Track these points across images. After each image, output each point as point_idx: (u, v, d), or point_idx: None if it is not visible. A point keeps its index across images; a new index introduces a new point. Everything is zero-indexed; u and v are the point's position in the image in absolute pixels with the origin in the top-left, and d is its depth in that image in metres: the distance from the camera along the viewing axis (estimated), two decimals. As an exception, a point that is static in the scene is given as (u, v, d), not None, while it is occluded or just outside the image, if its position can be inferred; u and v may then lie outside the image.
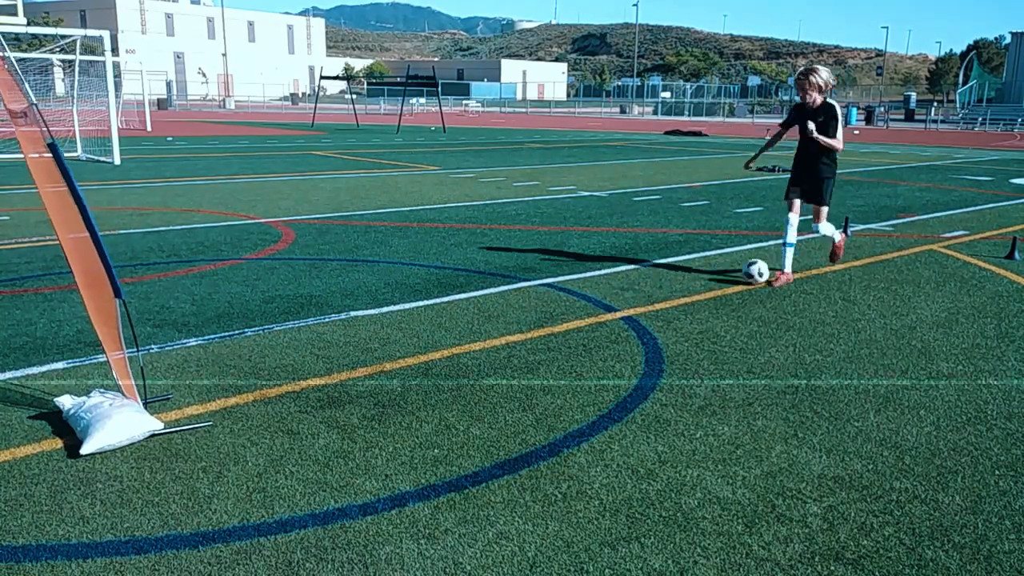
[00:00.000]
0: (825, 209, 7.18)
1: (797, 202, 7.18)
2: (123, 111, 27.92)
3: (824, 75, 6.80)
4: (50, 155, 3.56)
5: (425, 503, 3.29)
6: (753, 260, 7.23)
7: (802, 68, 7.05)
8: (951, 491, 3.46)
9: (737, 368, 4.94)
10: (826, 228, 7.38)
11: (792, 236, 7.15)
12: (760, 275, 7.07)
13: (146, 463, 3.58)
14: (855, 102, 69.43)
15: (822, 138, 6.81)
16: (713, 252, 8.55)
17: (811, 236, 8.25)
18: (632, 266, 7.77)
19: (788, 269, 7.20)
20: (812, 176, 7.07)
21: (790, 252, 7.19)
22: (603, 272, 7.47)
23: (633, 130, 40.22)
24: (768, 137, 7.34)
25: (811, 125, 6.80)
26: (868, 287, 7.11)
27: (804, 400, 4.45)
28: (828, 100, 6.90)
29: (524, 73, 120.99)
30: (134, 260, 7.72)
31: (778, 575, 2.86)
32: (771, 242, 9.19)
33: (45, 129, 3.54)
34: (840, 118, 6.87)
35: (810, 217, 7.36)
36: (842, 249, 7.77)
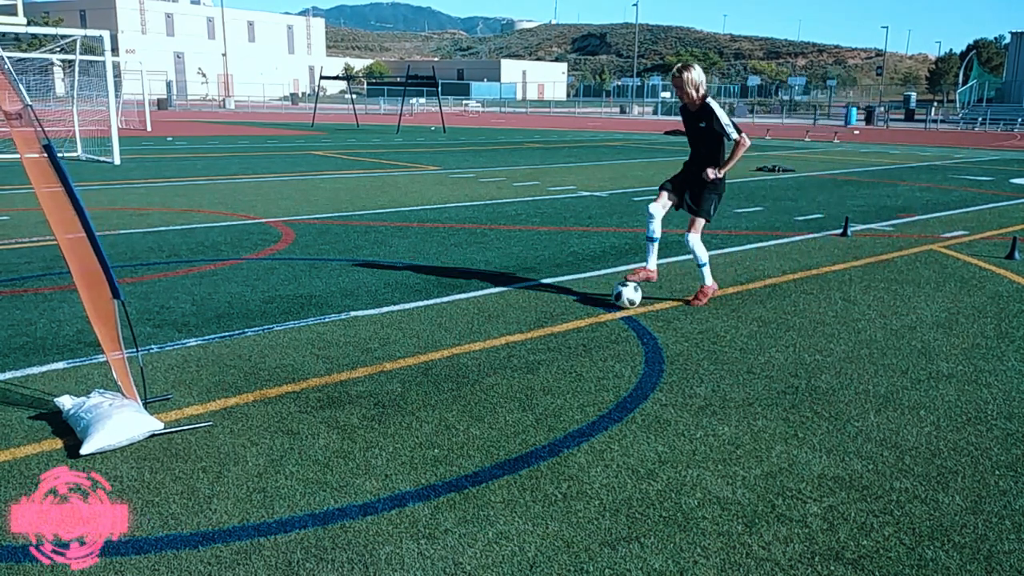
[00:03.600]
0: (703, 221, 6.36)
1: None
2: (123, 111, 27.92)
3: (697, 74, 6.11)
4: (46, 156, 3.56)
5: (425, 503, 3.29)
6: (624, 283, 6.29)
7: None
8: (951, 491, 3.46)
9: (737, 368, 4.94)
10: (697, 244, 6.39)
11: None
12: (631, 303, 6.21)
13: (146, 463, 3.58)
14: (855, 102, 69.45)
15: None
16: (713, 252, 8.53)
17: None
18: (632, 266, 7.76)
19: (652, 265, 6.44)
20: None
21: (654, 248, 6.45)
22: (603, 272, 7.47)
23: (633, 130, 40.22)
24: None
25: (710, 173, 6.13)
26: (868, 287, 7.11)
27: (804, 400, 4.45)
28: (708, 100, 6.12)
29: (524, 73, 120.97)
30: (134, 260, 7.72)
31: (778, 575, 2.86)
32: (771, 242, 9.19)
33: (40, 130, 3.54)
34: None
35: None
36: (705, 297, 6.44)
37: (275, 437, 3.86)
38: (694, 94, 6.07)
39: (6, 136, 16.22)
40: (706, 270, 6.41)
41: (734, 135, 6.05)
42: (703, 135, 6.17)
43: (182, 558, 2.89)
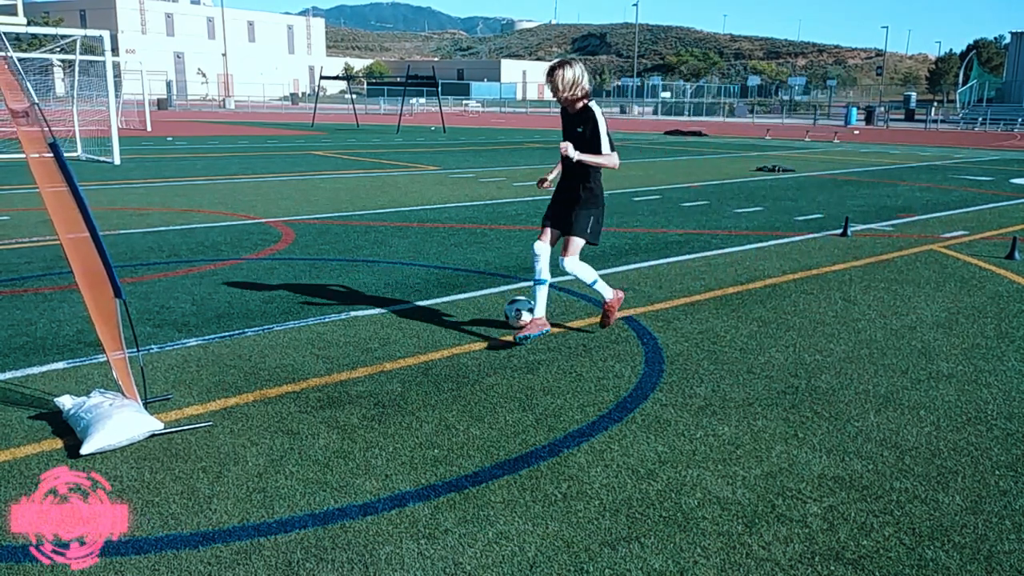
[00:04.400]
0: (579, 242, 5.44)
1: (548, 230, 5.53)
2: (123, 111, 27.92)
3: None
4: (51, 155, 3.56)
5: (425, 503, 3.29)
6: (519, 299, 5.72)
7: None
8: (951, 491, 3.46)
9: (737, 368, 4.94)
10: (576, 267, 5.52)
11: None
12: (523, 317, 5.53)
13: (146, 463, 3.58)
14: (855, 102, 69.51)
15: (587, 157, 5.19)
16: (713, 252, 8.54)
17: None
18: (632, 266, 7.77)
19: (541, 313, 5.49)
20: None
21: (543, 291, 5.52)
22: (603, 272, 7.45)
23: (633, 130, 40.20)
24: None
25: (570, 152, 5.16)
26: (868, 287, 7.11)
27: (804, 400, 4.45)
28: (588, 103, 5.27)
29: (524, 73, 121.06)
30: (134, 260, 7.72)
31: (778, 575, 2.86)
32: (771, 242, 9.19)
33: (47, 129, 3.53)
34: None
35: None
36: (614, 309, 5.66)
37: (275, 437, 3.86)
38: (569, 95, 5.20)
39: (7, 136, 16.25)
40: (599, 285, 5.56)
41: (606, 149, 5.20)
42: (580, 143, 5.24)
43: (182, 558, 2.89)
